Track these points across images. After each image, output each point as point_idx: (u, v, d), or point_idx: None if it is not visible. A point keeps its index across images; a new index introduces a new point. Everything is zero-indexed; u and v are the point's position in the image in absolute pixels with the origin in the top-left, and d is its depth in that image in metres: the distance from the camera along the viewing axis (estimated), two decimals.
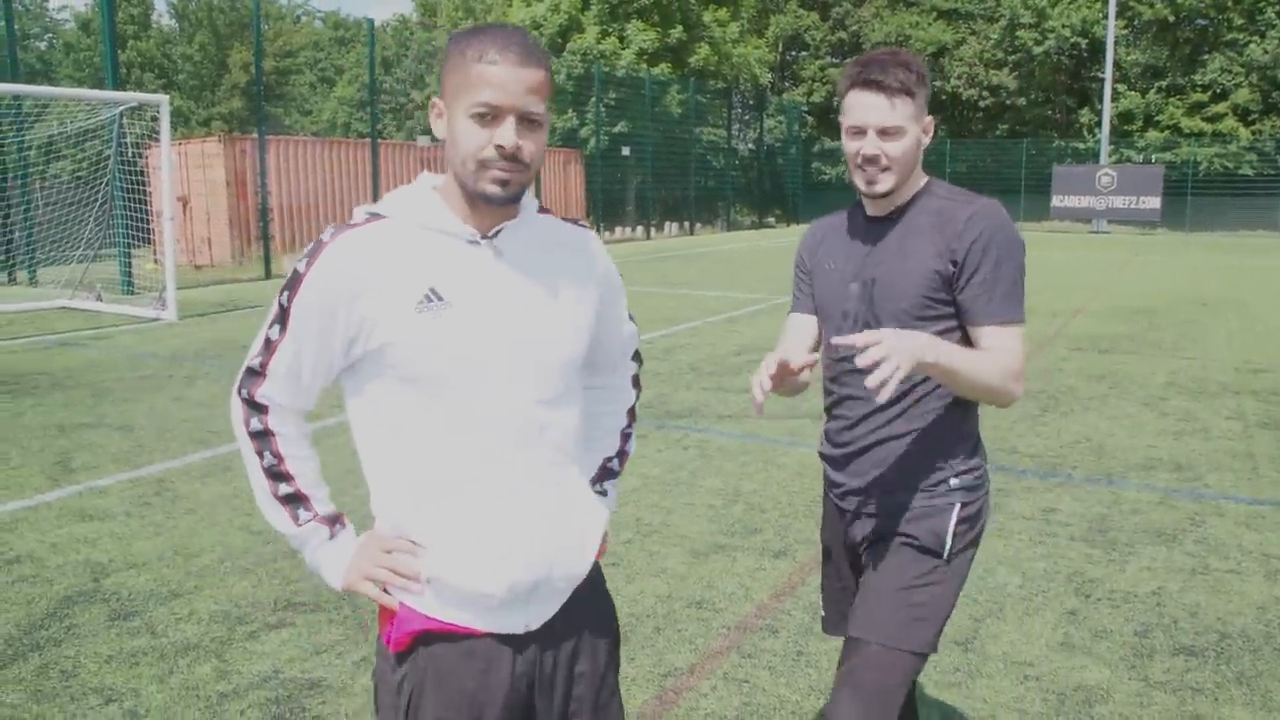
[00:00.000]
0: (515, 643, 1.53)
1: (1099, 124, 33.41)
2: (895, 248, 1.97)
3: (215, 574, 4.04)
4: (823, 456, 2.18)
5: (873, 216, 2.04)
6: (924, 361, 1.71)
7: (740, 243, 27.14)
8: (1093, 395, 7.49)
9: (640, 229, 29.58)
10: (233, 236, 19.05)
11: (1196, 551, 4.31)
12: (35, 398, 7.36)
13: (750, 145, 40.44)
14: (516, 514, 1.49)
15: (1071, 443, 6.13)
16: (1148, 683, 3.17)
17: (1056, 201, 31.55)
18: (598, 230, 24.84)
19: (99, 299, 12.91)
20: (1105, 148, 32.36)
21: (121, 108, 13.10)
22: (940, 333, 1.90)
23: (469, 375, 1.45)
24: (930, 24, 38.83)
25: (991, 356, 1.87)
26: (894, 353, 1.62)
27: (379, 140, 20.84)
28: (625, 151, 28.88)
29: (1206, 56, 33.75)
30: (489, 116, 1.40)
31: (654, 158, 29.76)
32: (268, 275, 16.83)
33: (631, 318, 1.77)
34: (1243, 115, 33.55)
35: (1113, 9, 30.96)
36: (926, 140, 1.96)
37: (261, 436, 1.52)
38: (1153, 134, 34.39)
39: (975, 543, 2.04)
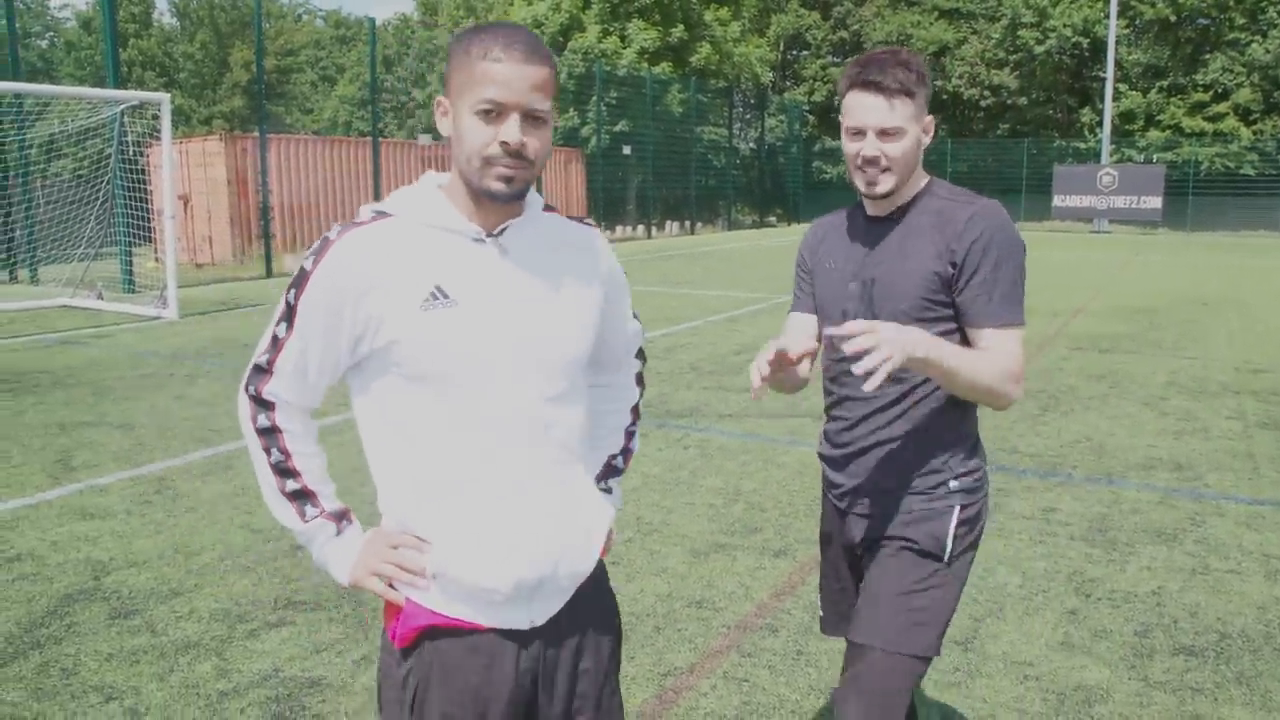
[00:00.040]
0: (520, 639, 1.53)
1: (1100, 124, 33.40)
2: (895, 248, 1.97)
3: (216, 572, 4.05)
4: (822, 457, 2.18)
5: (873, 216, 2.03)
6: (916, 356, 1.69)
7: (741, 242, 27.12)
8: (1093, 395, 7.49)
9: (641, 228, 29.57)
10: (234, 235, 19.05)
11: (1196, 551, 4.31)
12: (36, 396, 7.36)
13: (751, 144, 40.44)
14: (522, 511, 1.50)
15: (1072, 442, 6.13)
16: (1148, 683, 3.17)
17: (1058, 201, 31.56)
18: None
19: (100, 297, 12.91)
20: (1106, 147, 32.37)
21: (123, 106, 13.11)
22: (940, 334, 1.88)
23: (474, 373, 1.46)
24: (931, 23, 38.82)
25: (990, 358, 1.86)
26: (884, 343, 1.60)
27: (380, 139, 20.83)
28: (626, 151, 28.88)
29: (1208, 56, 33.74)
30: (494, 113, 1.40)
31: (655, 157, 29.75)
32: (269, 274, 16.84)
33: (636, 316, 1.78)
34: (1244, 115, 33.54)
35: (1114, 8, 30.94)
36: (927, 140, 1.95)
37: (269, 433, 1.53)
38: (1154, 134, 34.37)
39: (975, 544, 2.04)
